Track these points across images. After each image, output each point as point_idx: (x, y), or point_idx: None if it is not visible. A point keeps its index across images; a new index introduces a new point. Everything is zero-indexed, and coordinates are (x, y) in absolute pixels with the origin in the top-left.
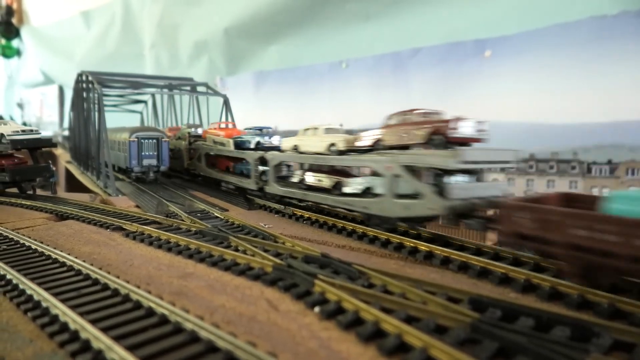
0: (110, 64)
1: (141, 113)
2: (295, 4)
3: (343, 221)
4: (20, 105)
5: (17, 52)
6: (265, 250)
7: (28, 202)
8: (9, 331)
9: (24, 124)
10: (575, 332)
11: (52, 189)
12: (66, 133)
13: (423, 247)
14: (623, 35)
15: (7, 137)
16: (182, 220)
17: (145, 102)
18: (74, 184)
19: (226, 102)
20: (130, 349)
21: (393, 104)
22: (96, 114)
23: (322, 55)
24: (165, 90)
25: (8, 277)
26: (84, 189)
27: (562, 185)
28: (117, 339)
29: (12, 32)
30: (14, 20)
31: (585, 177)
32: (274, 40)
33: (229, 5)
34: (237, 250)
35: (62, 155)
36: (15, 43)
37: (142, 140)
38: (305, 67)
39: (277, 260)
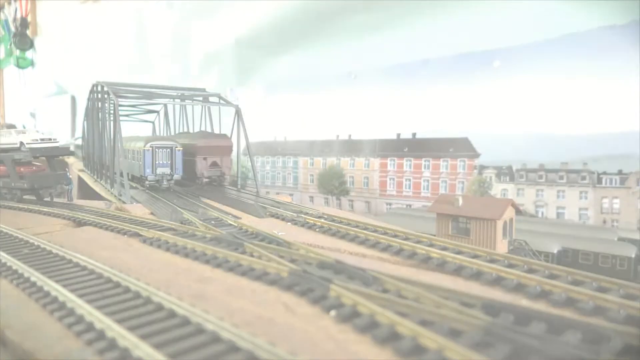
0: (122, 75)
1: (153, 123)
2: (305, 16)
3: (355, 229)
4: (33, 115)
5: (31, 63)
6: (280, 257)
7: (46, 209)
8: (36, 330)
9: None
10: (587, 335)
11: (68, 196)
12: (78, 142)
13: (435, 255)
14: (633, 44)
15: (27, 145)
16: (197, 227)
17: (157, 112)
18: (86, 192)
19: (238, 113)
20: (155, 347)
21: (403, 114)
22: (111, 123)
23: (331, 66)
24: (178, 100)
25: (32, 279)
26: (96, 196)
27: (572, 196)
28: (142, 337)
29: (27, 43)
30: (29, 32)
31: (595, 187)
32: (284, 51)
33: (240, 17)
34: (252, 256)
35: (75, 163)
36: (29, 54)
37: (156, 150)
38: (315, 77)
39: (293, 266)
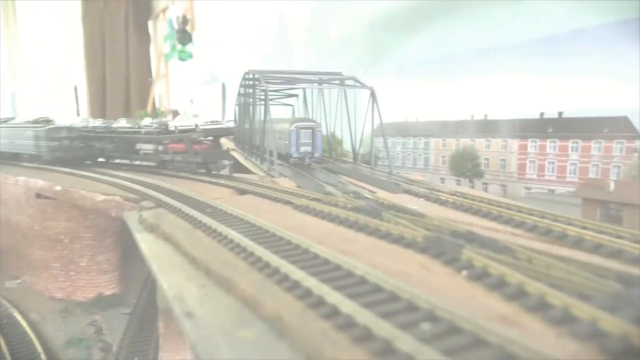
0: (265, 63)
1: (292, 106)
2: None
3: (488, 206)
4: (192, 101)
5: (190, 56)
6: (415, 225)
7: (214, 180)
8: (230, 265)
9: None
10: None
11: (229, 171)
12: (229, 124)
13: (572, 232)
14: None
15: (200, 127)
16: (338, 198)
17: (297, 95)
18: (237, 168)
19: (373, 95)
20: (318, 279)
21: (548, 92)
22: (261, 107)
23: (467, 43)
24: (316, 84)
25: (219, 230)
26: (246, 172)
27: None
28: (308, 273)
29: (187, 38)
30: (188, 28)
31: None
32: (416, 31)
33: (372, 0)
34: (389, 223)
35: (226, 143)
36: (189, 48)
37: (300, 130)
38: (449, 55)
39: (427, 232)
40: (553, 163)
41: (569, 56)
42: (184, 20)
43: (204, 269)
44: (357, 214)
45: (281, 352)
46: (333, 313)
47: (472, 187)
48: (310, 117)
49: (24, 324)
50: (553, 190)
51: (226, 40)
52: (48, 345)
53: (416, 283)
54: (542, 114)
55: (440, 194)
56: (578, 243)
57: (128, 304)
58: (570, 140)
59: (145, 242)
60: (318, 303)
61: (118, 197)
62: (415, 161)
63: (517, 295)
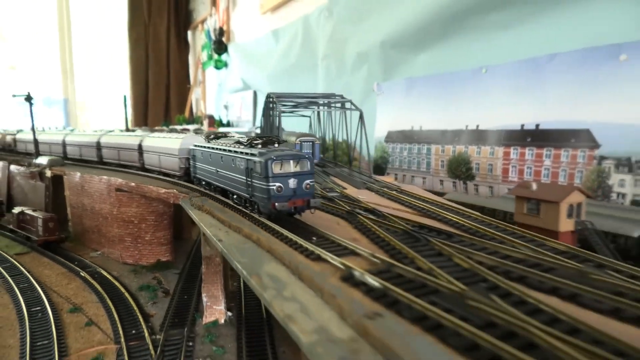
0: (292, 73)
1: (310, 118)
2: (441, 17)
3: (406, 197)
4: (226, 107)
5: (225, 65)
6: (350, 205)
7: None
8: (275, 244)
9: (228, 122)
10: None
11: None
12: (258, 130)
13: (433, 210)
14: None
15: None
16: (318, 191)
17: (309, 115)
18: None
19: (361, 116)
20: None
21: (528, 107)
22: (277, 122)
23: (465, 62)
24: (315, 107)
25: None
26: None
27: None
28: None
29: (222, 48)
30: (224, 39)
31: None
32: (422, 50)
33: (385, 21)
34: (337, 205)
35: None
36: (224, 57)
37: (302, 142)
38: (450, 73)
39: (348, 208)
40: (531, 168)
41: (546, 75)
42: (221, 32)
43: (227, 225)
44: (323, 200)
45: (257, 250)
46: (285, 238)
47: (466, 187)
48: (322, 129)
49: (110, 277)
50: None
51: (259, 51)
52: (127, 289)
53: (332, 230)
54: (522, 125)
55: (386, 189)
56: (431, 215)
57: (178, 267)
58: (545, 149)
59: (196, 214)
60: (278, 235)
61: (175, 190)
62: (419, 165)
63: (365, 232)
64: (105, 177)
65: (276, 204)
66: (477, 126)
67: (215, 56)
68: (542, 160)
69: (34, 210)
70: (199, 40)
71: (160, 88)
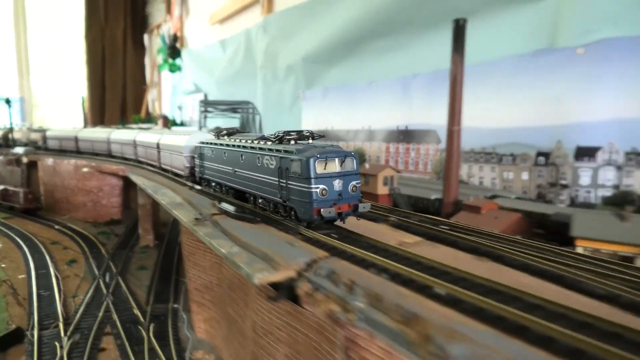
0: (237, 79)
1: (240, 119)
2: (344, 41)
3: None
4: (180, 108)
5: (179, 69)
6: None
7: None
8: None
9: (182, 122)
10: None
11: None
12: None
13: None
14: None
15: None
16: None
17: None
18: None
19: (260, 117)
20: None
21: (402, 113)
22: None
23: (361, 77)
24: (227, 112)
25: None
26: None
27: (486, 170)
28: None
29: (176, 53)
30: (178, 45)
31: (500, 164)
32: (333, 65)
33: (305, 41)
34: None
35: None
36: (178, 61)
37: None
38: (352, 84)
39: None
40: (402, 158)
41: (412, 90)
42: (174, 38)
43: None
44: None
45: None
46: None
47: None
48: (245, 127)
49: (78, 228)
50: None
51: (208, 58)
52: (90, 233)
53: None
54: (397, 126)
55: None
56: None
57: (125, 223)
58: (411, 144)
59: (141, 182)
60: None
61: (123, 166)
62: None
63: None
64: (73, 160)
65: (321, 209)
66: (369, 127)
67: (170, 60)
68: (409, 153)
69: (15, 186)
70: (155, 44)
71: (117, 88)
